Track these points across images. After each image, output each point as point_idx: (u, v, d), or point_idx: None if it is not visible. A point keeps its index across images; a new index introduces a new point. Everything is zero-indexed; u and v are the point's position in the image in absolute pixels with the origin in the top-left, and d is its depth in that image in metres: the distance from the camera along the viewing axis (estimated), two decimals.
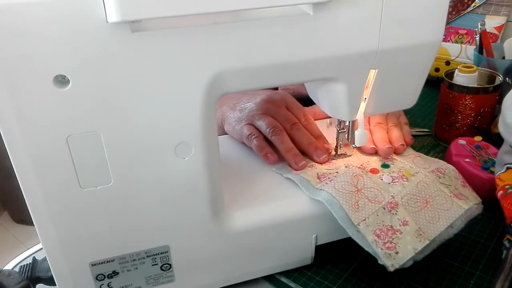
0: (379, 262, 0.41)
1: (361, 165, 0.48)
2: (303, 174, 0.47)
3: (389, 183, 0.46)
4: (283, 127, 0.52)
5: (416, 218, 0.43)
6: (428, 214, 0.44)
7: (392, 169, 0.48)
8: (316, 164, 0.49)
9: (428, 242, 0.42)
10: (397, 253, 0.41)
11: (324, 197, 0.44)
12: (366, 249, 0.42)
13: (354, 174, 0.46)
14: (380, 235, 0.42)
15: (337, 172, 0.47)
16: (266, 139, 0.52)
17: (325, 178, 0.46)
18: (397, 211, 0.43)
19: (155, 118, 0.37)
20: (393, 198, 0.44)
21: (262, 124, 0.52)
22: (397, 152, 0.51)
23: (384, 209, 0.43)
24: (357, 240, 0.42)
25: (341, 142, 0.51)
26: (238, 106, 0.57)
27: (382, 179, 0.46)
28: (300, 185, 0.46)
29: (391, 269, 0.41)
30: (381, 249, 0.41)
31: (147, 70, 0.35)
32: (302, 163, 0.49)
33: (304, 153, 0.51)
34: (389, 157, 0.50)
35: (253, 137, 0.52)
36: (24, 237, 1.83)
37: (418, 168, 0.48)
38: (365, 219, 0.42)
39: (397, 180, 0.46)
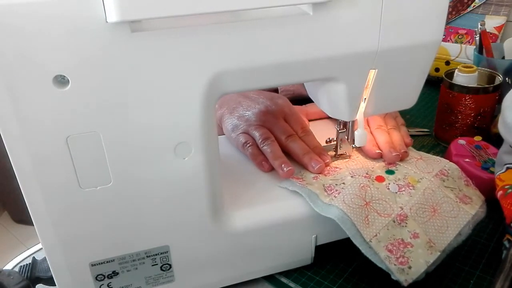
0: (393, 277, 0.41)
1: (367, 173, 0.47)
2: (310, 187, 0.46)
3: (396, 193, 0.45)
4: (279, 139, 0.52)
5: (426, 228, 0.43)
6: (437, 223, 0.44)
7: (397, 175, 0.47)
8: (320, 175, 0.48)
9: (439, 253, 0.42)
10: (410, 267, 0.41)
11: (335, 215, 0.43)
12: (379, 265, 0.42)
13: (362, 185, 0.45)
14: (392, 250, 0.42)
15: (343, 183, 0.46)
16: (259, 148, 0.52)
17: (332, 191, 0.45)
18: (406, 223, 0.43)
19: (154, 118, 0.37)
20: (402, 209, 0.44)
21: (255, 134, 0.53)
22: (401, 159, 0.50)
23: (394, 222, 0.43)
24: (369, 257, 0.42)
25: (340, 142, 0.51)
26: (237, 112, 0.57)
27: (389, 189, 0.46)
28: (308, 200, 0.45)
29: (405, 284, 0.41)
30: (394, 264, 0.41)
31: (146, 70, 0.35)
32: (288, 169, 0.47)
33: (301, 165, 0.50)
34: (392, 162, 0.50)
35: (248, 145, 0.52)
36: (24, 237, 1.83)
37: (422, 173, 0.48)
38: (376, 235, 0.42)
39: (403, 188, 0.46)
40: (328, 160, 0.50)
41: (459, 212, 0.45)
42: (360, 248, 0.42)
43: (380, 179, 0.47)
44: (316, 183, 0.47)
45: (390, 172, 0.48)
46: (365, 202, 0.44)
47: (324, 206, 0.44)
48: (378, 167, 0.49)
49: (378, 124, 0.54)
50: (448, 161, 0.50)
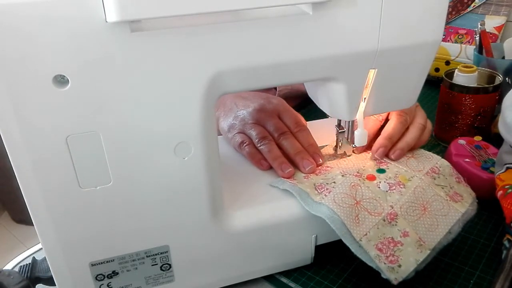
0: (383, 276, 0.41)
1: (358, 172, 0.47)
2: (301, 185, 0.46)
3: (387, 191, 0.45)
4: (272, 137, 0.52)
5: (416, 227, 0.43)
6: (427, 221, 0.44)
7: (388, 174, 0.47)
8: (311, 174, 0.48)
9: (429, 252, 0.42)
10: (400, 266, 0.41)
11: (325, 214, 0.43)
12: (369, 264, 0.42)
13: (352, 184, 0.45)
14: (382, 248, 0.42)
15: (334, 182, 0.46)
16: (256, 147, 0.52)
17: (323, 189, 0.45)
18: (397, 222, 0.43)
19: (154, 118, 0.37)
20: (392, 208, 0.44)
21: (252, 133, 0.53)
22: (391, 157, 0.50)
23: (384, 221, 0.43)
24: (359, 256, 0.42)
25: (340, 142, 0.51)
26: (232, 113, 0.57)
27: (379, 187, 0.46)
28: (299, 198, 0.45)
29: (394, 282, 0.41)
30: (384, 263, 0.41)
31: (146, 70, 0.35)
32: (288, 170, 0.48)
33: (292, 163, 0.49)
34: (383, 161, 0.50)
35: (245, 145, 0.52)
36: (24, 237, 1.83)
37: (412, 171, 0.48)
38: (366, 234, 0.42)
39: (394, 187, 0.46)
40: (321, 162, 0.50)
41: (449, 210, 0.45)
42: (350, 247, 0.42)
43: (371, 177, 0.47)
44: (307, 182, 0.47)
45: (381, 171, 0.48)
46: (355, 201, 0.44)
47: (314, 205, 0.44)
48: (370, 166, 0.49)
49: (404, 111, 0.52)
50: (440, 157, 0.50)
